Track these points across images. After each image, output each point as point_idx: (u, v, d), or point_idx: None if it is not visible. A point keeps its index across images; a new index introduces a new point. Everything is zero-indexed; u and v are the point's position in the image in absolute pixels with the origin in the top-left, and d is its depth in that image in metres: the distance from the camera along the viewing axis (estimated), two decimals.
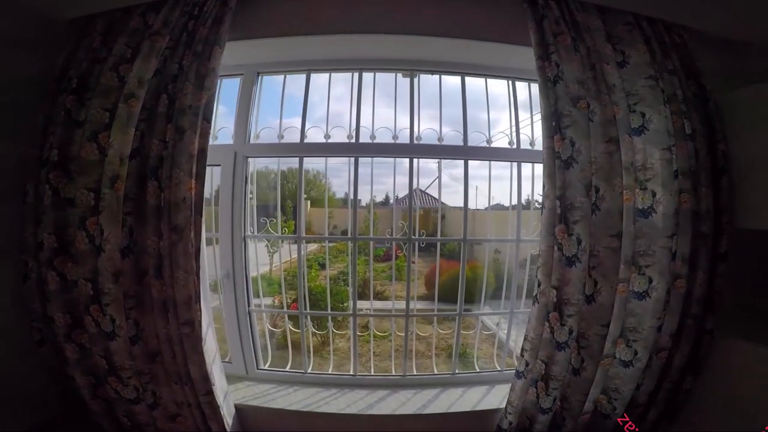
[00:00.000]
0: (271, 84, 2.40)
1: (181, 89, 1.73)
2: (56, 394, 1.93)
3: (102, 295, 1.68)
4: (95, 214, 1.67)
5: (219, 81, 2.24)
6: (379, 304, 6.44)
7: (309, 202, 14.19)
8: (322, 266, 9.20)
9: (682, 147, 1.73)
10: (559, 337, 1.74)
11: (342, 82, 2.32)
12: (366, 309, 5.42)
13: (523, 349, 1.86)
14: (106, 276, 1.67)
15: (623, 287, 1.70)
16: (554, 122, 1.72)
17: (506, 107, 2.31)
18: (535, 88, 2.28)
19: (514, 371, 2.34)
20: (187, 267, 1.66)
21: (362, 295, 5.94)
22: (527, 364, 1.85)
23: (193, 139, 1.68)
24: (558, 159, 1.70)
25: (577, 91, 1.73)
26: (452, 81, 2.32)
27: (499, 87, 2.36)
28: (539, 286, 1.74)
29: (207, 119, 1.73)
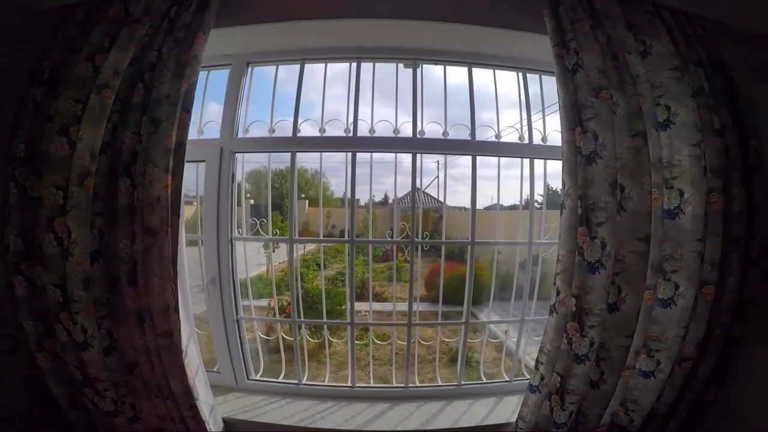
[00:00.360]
0: (263, 81, 2.21)
1: (158, 78, 1.56)
2: (34, 403, 1.77)
3: (72, 302, 1.51)
4: (64, 215, 1.49)
5: (207, 73, 2.10)
6: (378, 306, 6.23)
7: (307, 201, 14.02)
8: (320, 266, 9.02)
9: (711, 143, 1.55)
10: (579, 349, 1.56)
11: (340, 82, 2.14)
12: (365, 311, 5.28)
13: (538, 362, 1.68)
14: (75, 282, 1.49)
15: (649, 295, 1.52)
16: (574, 114, 1.53)
17: (509, 106, 2.12)
18: (546, 80, 2.12)
19: (523, 381, 2.20)
20: (162, 273, 1.46)
21: (361, 296, 5.77)
22: (542, 378, 1.67)
23: (170, 132, 1.49)
24: (579, 154, 1.51)
25: (598, 81, 1.55)
26: (456, 80, 2.15)
27: (503, 87, 2.19)
28: (558, 294, 1.55)
29: (186, 110, 1.54)
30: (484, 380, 2.27)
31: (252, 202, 10.14)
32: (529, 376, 2.32)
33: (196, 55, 1.59)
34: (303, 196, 14.26)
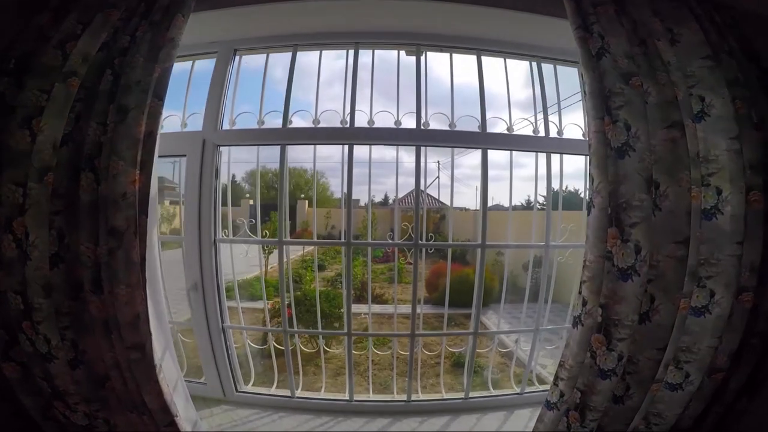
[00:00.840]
0: (252, 76, 2.01)
1: (129, 63, 1.37)
2: (9, 413, 1.59)
3: (33, 310, 1.32)
4: (23, 214, 1.29)
5: (192, 63, 1.92)
6: (378, 308, 6.00)
7: (307, 201, 13.82)
8: (320, 267, 8.77)
9: (750, 136, 1.36)
10: (605, 363, 1.36)
11: (338, 81, 1.92)
12: (364, 313, 5.07)
13: (557, 378, 1.48)
14: (35, 288, 1.30)
15: (685, 303, 1.32)
16: (602, 101, 1.33)
17: (514, 105, 1.93)
18: (561, 71, 1.93)
19: (534, 394, 2.01)
20: (130, 280, 1.25)
21: (361, 298, 5.57)
22: (562, 395, 1.47)
23: (140, 121, 1.28)
24: (608, 147, 1.30)
25: (627, 67, 1.36)
26: (461, 80, 1.98)
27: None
28: (585, 305, 1.34)
29: (159, 97, 1.34)
30: (492, 392, 2.06)
31: (251, 202, 9.94)
32: (540, 386, 2.15)
33: (173, 38, 1.40)
34: (303, 196, 14.06)
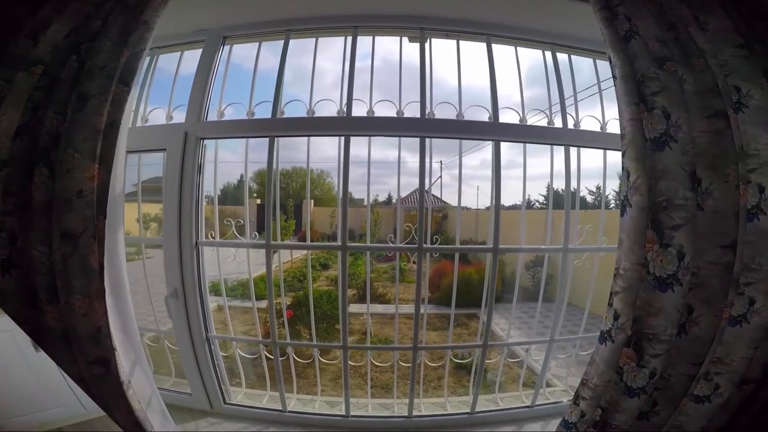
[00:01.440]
0: (242, 72, 1.83)
1: (95, 48, 1.19)
2: None
3: None
4: None
5: (180, 54, 1.72)
6: (381, 308, 5.79)
7: (312, 201, 13.63)
8: (324, 266, 8.56)
9: None
10: (634, 381, 1.16)
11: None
12: (365, 314, 4.87)
13: (578, 396, 1.28)
14: None
15: (727, 313, 1.12)
16: (636, 86, 1.13)
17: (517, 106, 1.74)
18: (577, 61, 1.74)
19: (546, 407, 1.82)
20: (89, 289, 1.06)
21: (364, 298, 5.38)
22: (583, 415, 1.27)
23: (102, 109, 1.10)
24: (643, 137, 1.10)
25: (660, 51, 1.17)
26: (467, 82, 1.77)
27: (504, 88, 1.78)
28: (617, 319, 1.13)
29: (125, 83, 1.15)
30: (500, 404, 1.85)
31: (258, 201, 9.77)
32: (547, 390, 1.98)
33: (146, 21, 1.22)
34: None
